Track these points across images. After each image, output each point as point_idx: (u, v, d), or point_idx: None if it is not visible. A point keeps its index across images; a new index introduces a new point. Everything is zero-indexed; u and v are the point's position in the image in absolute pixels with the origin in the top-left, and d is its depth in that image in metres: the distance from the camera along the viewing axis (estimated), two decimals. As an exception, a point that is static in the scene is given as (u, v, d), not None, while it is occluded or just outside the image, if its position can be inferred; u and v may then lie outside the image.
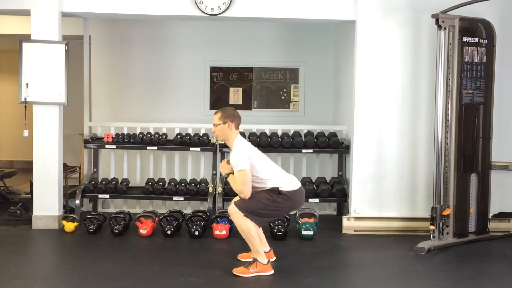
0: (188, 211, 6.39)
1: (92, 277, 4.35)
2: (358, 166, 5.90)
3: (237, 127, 4.52)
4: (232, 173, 4.42)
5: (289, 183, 4.46)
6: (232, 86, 7.60)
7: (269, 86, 7.60)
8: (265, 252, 4.47)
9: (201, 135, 6.52)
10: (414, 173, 5.91)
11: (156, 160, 6.87)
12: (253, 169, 4.36)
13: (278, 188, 4.39)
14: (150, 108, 7.42)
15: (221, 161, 6.42)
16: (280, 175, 4.50)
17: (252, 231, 4.34)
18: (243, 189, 4.33)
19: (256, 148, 4.58)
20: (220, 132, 4.51)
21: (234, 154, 4.40)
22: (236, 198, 4.48)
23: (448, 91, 5.32)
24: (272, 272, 4.40)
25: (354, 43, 5.93)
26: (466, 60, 5.39)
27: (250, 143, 4.63)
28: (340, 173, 6.62)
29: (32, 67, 5.73)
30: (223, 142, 6.30)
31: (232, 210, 4.38)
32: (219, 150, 6.44)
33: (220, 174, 6.52)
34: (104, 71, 7.42)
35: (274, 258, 4.70)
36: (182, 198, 6.24)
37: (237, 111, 4.62)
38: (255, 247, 4.39)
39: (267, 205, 4.36)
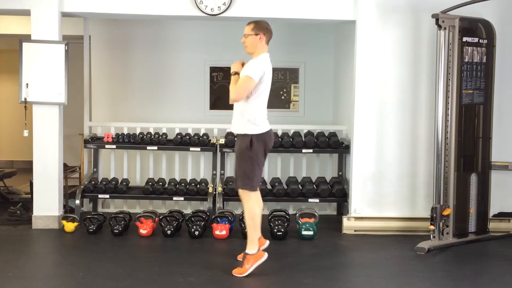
0: (188, 211, 6.39)
1: (92, 277, 4.35)
2: (358, 166, 5.90)
3: (267, 42, 4.48)
4: (239, 74, 4.41)
5: (262, 127, 4.46)
6: (232, 86, 7.59)
7: (269, 86, 7.59)
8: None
9: (201, 135, 6.52)
10: (414, 173, 5.91)
11: (156, 160, 6.87)
12: (256, 89, 4.36)
13: (250, 139, 4.39)
14: (150, 108, 7.41)
15: (221, 161, 6.52)
16: (263, 113, 4.50)
17: (256, 216, 4.46)
18: (238, 92, 4.34)
19: (270, 77, 4.51)
20: (250, 43, 4.46)
21: (254, 61, 4.40)
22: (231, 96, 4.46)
23: (448, 91, 5.33)
24: (266, 256, 4.45)
25: (354, 43, 5.93)
26: (466, 60, 5.39)
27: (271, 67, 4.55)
28: (340, 173, 6.62)
29: (32, 67, 5.73)
30: (223, 142, 6.34)
31: (240, 192, 4.51)
32: (219, 150, 6.44)
33: (220, 174, 6.53)
34: (104, 71, 7.42)
35: (268, 242, 4.76)
36: (182, 198, 6.23)
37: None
38: (251, 235, 4.45)
39: (250, 159, 4.40)
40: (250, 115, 4.41)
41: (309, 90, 7.59)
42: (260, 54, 4.45)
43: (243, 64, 4.47)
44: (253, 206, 4.47)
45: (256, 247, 4.45)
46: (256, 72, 4.32)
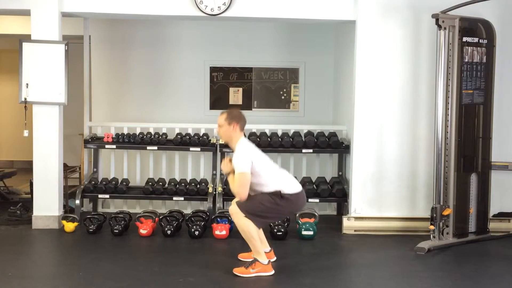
0: (188, 211, 6.39)
1: (92, 277, 4.35)
2: (358, 166, 5.90)
3: (241, 129, 4.51)
4: (233, 172, 4.42)
5: (291, 186, 4.46)
6: (232, 86, 7.60)
7: (269, 86, 7.60)
8: (265, 253, 4.47)
9: (201, 135, 6.52)
10: (414, 173, 5.91)
11: (156, 160, 6.87)
12: (255, 173, 4.36)
13: (280, 191, 4.38)
14: (150, 108, 7.41)
15: (221, 161, 6.50)
16: (282, 178, 4.49)
17: (252, 232, 4.34)
18: (240, 191, 4.34)
19: (259, 150, 4.57)
20: (224, 133, 4.51)
21: (237, 155, 4.41)
22: (237, 199, 4.48)
23: (448, 91, 5.32)
24: (272, 272, 4.40)
25: (354, 43, 5.93)
26: (466, 60, 5.39)
27: (253, 145, 4.61)
28: (340, 173, 6.62)
29: (32, 67, 5.73)
30: (223, 142, 6.34)
31: (233, 210, 4.38)
32: (219, 150, 6.44)
33: (220, 174, 6.53)
34: (104, 71, 7.42)
35: (275, 258, 4.70)
36: (182, 198, 6.23)
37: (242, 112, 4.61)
38: (256, 248, 4.39)
39: (268, 208, 4.36)
40: (271, 189, 4.39)
41: (309, 90, 7.59)
42: (237, 141, 4.46)
43: (231, 160, 4.48)
44: (245, 223, 4.34)
45: (265, 258, 4.40)
46: (244, 164, 4.32)
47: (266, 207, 4.35)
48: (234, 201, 4.47)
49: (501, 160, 5.74)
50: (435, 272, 4.64)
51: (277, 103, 7.54)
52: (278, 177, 4.48)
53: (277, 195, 4.37)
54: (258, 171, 4.37)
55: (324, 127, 6.76)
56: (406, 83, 5.86)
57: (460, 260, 4.96)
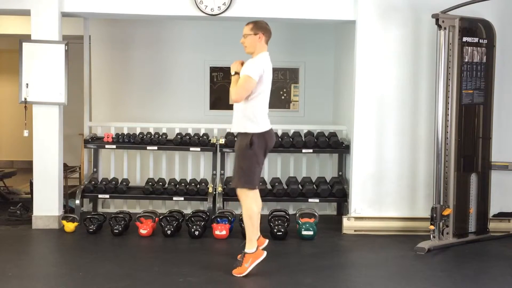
0: (188, 211, 6.39)
1: (92, 277, 4.35)
2: (358, 166, 5.90)
3: (266, 42, 4.47)
4: (239, 74, 4.40)
5: (263, 125, 4.46)
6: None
7: (269, 86, 7.59)
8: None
9: (201, 135, 6.51)
10: (414, 173, 5.91)
11: (156, 160, 6.87)
12: (255, 88, 4.34)
13: (252, 135, 4.38)
14: (150, 108, 7.41)
15: (221, 161, 6.52)
16: (262, 116, 4.48)
17: (254, 215, 4.43)
18: (239, 92, 4.33)
19: (270, 76, 4.51)
20: (249, 43, 4.45)
21: (253, 60, 4.39)
22: (231, 98, 4.45)
23: (448, 91, 5.33)
24: (264, 254, 4.44)
25: (354, 43, 5.93)
26: (466, 60, 5.39)
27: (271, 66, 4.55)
28: (340, 173, 6.62)
29: (32, 67, 5.73)
30: (223, 142, 6.34)
31: (238, 191, 4.50)
32: (219, 150, 6.44)
33: (221, 174, 6.53)
34: (104, 71, 7.42)
35: (267, 241, 4.76)
36: (182, 198, 6.23)
37: None
38: (250, 234, 4.45)
39: (250, 160, 4.40)
40: (251, 114, 4.41)
41: (309, 90, 7.59)
42: (259, 53, 4.44)
43: (242, 64, 4.46)
44: (251, 206, 4.45)
45: (254, 246, 4.44)
46: (255, 71, 4.32)
47: (249, 161, 4.40)
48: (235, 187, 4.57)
49: (501, 160, 5.74)
50: (435, 272, 4.64)
51: (277, 103, 7.54)
52: (262, 109, 4.47)
53: (247, 146, 4.38)
54: (258, 88, 4.36)
55: (324, 127, 6.76)
56: (406, 83, 5.86)
57: (460, 260, 4.96)
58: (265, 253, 4.47)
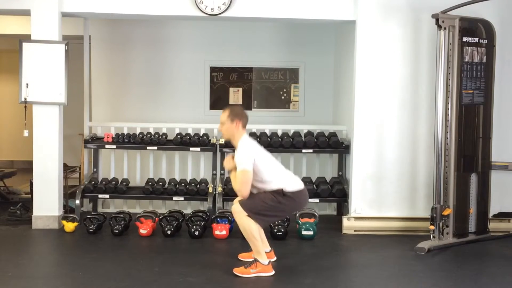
0: (188, 211, 6.39)
1: (92, 277, 4.35)
2: (358, 166, 5.90)
3: (244, 126, 4.48)
4: (235, 169, 4.40)
5: (293, 183, 4.46)
6: (232, 86, 7.60)
7: (269, 86, 7.60)
8: (266, 253, 4.46)
9: (201, 135, 6.52)
10: (414, 173, 5.91)
11: (156, 160, 6.88)
12: (257, 171, 4.34)
13: (282, 189, 4.38)
14: (150, 108, 7.42)
15: (221, 161, 6.51)
16: (284, 176, 4.49)
17: (254, 231, 4.33)
18: (242, 189, 4.32)
19: (261, 148, 4.55)
20: (227, 131, 4.49)
21: (239, 152, 4.39)
22: (239, 198, 4.47)
23: (448, 91, 5.32)
24: (272, 273, 4.39)
25: (354, 43, 5.93)
26: (466, 60, 5.39)
27: (255, 142, 4.60)
28: (340, 173, 6.62)
29: (32, 67, 5.73)
30: (223, 142, 6.34)
31: (236, 209, 4.37)
32: (219, 150, 6.44)
33: (221, 174, 6.53)
34: (104, 71, 7.42)
35: (275, 258, 4.70)
36: (182, 198, 6.23)
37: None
38: (256, 248, 4.38)
39: (271, 206, 4.35)
40: (274, 186, 4.38)
41: (309, 90, 7.59)
42: (239, 138, 4.44)
43: (233, 157, 4.45)
44: (247, 223, 4.33)
45: (265, 258, 4.39)
46: (246, 161, 4.30)
47: (268, 206, 4.34)
48: (236, 200, 4.46)
49: (501, 160, 5.74)
50: (435, 272, 4.64)
51: (277, 103, 7.54)
52: (281, 174, 4.48)
53: (280, 193, 4.36)
54: (260, 169, 4.35)
55: (324, 127, 6.77)
56: (406, 83, 5.86)
57: (460, 260, 4.96)
58: (273, 272, 4.39)
